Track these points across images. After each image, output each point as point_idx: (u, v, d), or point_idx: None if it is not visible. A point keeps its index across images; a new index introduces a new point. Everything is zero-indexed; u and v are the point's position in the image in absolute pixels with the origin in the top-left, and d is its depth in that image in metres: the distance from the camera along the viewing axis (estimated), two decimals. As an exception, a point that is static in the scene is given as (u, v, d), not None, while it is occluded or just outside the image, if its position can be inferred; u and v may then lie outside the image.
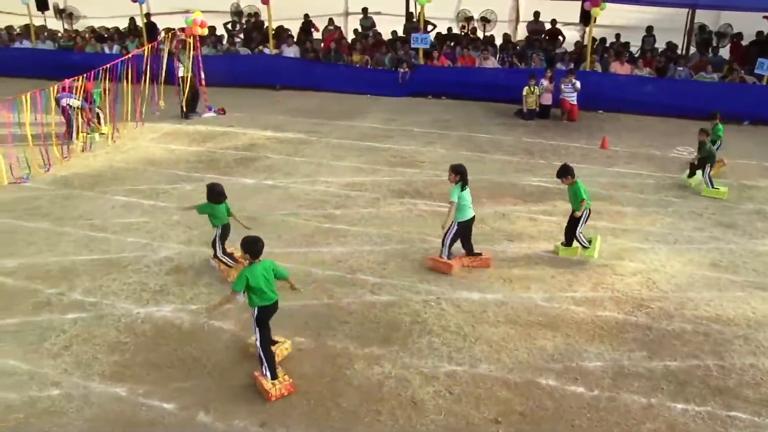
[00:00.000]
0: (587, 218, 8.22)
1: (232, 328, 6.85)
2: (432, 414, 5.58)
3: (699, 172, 10.65)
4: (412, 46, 17.11)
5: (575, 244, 8.27)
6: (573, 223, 8.18)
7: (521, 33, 19.68)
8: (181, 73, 14.97)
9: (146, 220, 9.51)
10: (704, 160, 10.53)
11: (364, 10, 20.15)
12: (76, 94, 13.02)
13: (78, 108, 13.08)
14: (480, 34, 19.19)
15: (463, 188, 7.66)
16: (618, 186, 10.83)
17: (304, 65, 18.14)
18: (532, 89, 14.90)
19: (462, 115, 15.32)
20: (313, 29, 20.48)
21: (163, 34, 20.77)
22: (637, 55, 17.11)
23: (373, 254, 8.35)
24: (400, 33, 19.07)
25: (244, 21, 21.38)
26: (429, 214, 9.57)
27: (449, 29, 19.49)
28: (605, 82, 15.68)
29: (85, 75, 12.96)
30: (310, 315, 7.03)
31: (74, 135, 13.11)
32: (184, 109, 15.16)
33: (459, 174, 7.67)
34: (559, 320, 6.88)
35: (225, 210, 7.93)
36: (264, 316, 5.90)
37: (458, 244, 7.97)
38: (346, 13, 21.83)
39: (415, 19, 18.69)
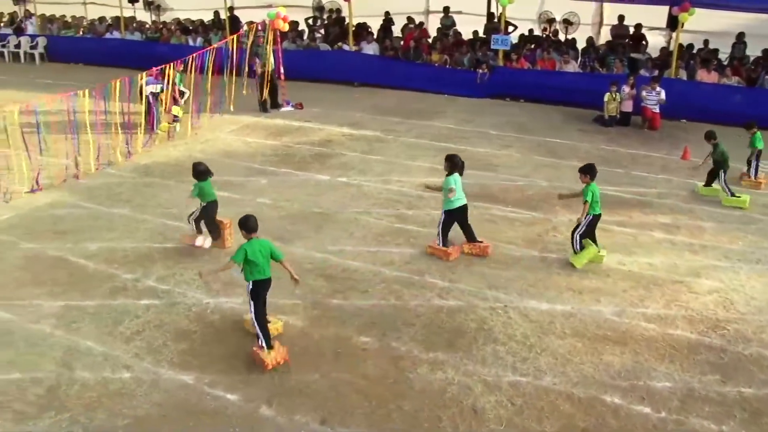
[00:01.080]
0: (590, 224, 8.09)
1: (300, 324, 6.94)
2: (492, 424, 5.53)
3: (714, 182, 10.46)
4: (492, 47, 16.96)
5: (591, 250, 8.13)
6: (577, 226, 8.15)
7: (604, 36, 19.19)
8: (259, 68, 15.28)
9: (220, 211, 9.71)
10: (718, 165, 10.25)
11: (446, 9, 20.07)
12: (161, 80, 13.45)
13: (159, 95, 13.48)
14: (561, 37, 18.85)
15: (451, 174, 8.05)
16: (698, 200, 10.46)
17: (383, 63, 18.24)
18: (614, 95, 14.54)
19: (539, 119, 15.10)
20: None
21: (245, 27, 21.35)
22: (725, 63, 16.45)
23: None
24: (481, 33, 18.91)
25: (325, 17, 21.63)
26: (501, 219, 9.47)
27: (530, 31, 19.20)
28: (690, 90, 15.15)
29: (171, 64, 13.36)
30: (377, 315, 7.07)
31: (155, 125, 13.57)
32: (265, 102, 15.47)
33: (450, 163, 8.12)
34: (629, 336, 6.71)
35: (210, 186, 8.48)
36: (257, 290, 6.30)
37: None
38: (427, 12, 21.75)
39: (496, 20, 18.50)
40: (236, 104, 15.26)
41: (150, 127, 13.51)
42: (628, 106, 14.68)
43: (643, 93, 14.44)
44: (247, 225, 6.35)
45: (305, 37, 20.04)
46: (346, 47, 18.66)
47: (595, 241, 8.21)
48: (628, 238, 8.93)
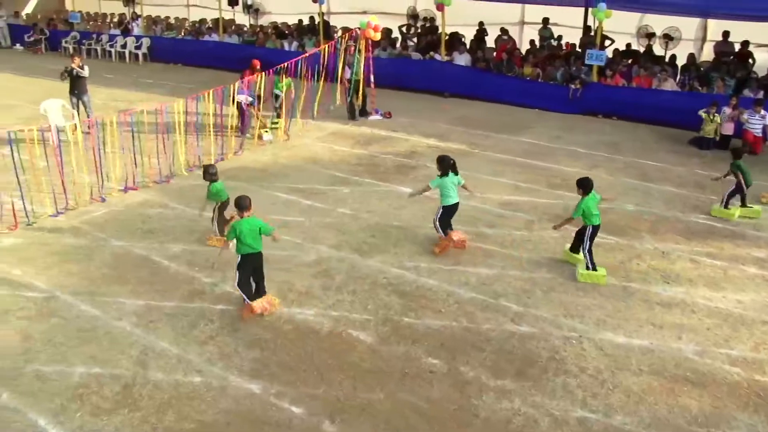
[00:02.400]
0: (591, 236, 8.19)
1: (369, 340, 6.97)
2: (558, 461, 5.40)
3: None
4: (586, 62, 16.57)
5: (600, 270, 8.20)
6: (579, 238, 8.30)
7: (707, 54, 18.41)
8: (348, 75, 15.49)
9: (301, 220, 9.93)
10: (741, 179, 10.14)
11: (545, 21, 19.75)
12: (251, 89, 13.82)
13: (250, 104, 13.88)
14: (661, 52, 18.20)
15: (445, 175, 8.68)
16: (801, 233, 9.89)
17: (474, 74, 18.13)
18: (712, 116, 13.91)
19: (632, 138, 14.63)
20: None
21: (340, 32, 21.69)
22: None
23: (520, 280, 8.19)
24: (574, 46, 18.51)
25: (419, 25, 21.71)
26: (583, 243, 9.22)
27: (628, 45, 18.63)
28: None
29: (261, 78, 13.72)
30: (447, 336, 7.02)
31: (246, 129, 13.97)
32: (354, 110, 15.66)
33: (441, 164, 8.76)
34: (710, 379, 6.39)
35: (221, 187, 8.95)
36: (245, 263, 7.21)
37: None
38: (522, 23, 21.50)
39: (592, 33, 18.07)
40: (326, 111, 15.50)
41: (241, 132, 13.91)
42: (728, 129, 14.02)
43: (745, 116, 13.75)
44: (241, 204, 7.21)
45: (398, 45, 20.14)
46: (438, 57, 18.65)
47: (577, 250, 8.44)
48: (717, 271, 8.53)
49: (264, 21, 24.91)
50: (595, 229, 8.23)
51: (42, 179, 10.11)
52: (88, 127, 13.07)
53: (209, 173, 8.96)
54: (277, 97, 14.57)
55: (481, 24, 20.41)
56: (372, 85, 15.82)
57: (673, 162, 13.01)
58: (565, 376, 6.40)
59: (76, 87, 14.37)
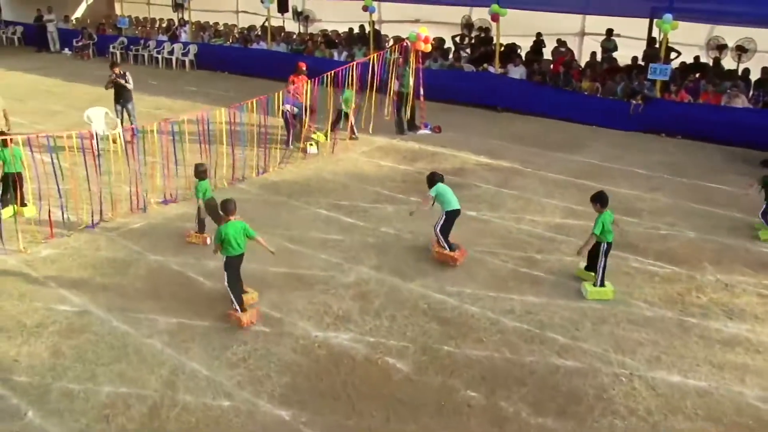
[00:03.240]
0: (606, 252, 8.32)
1: (406, 369, 6.93)
2: None
3: None
4: (649, 76, 16.26)
5: (608, 285, 8.38)
6: (595, 255, 8.41)
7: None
8: (397, 87, 15.53)
9: (342, 239, 9.96)
10: None
11: (609, 32, 19.42)
12: (297, 99, 13.98)
13: (296, 115, 14.04)
14: (733, 65, 17.74)
15: (434, 184, 9.18)
16: None
17: (529, 88, 17.97)
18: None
19: (697, 159, 14.28)
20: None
21: (391, 41, 21.80)
22: None
23: (568, 310, 8.05)
24: (638, 58, 18.18)
25: (473, 35, 21.65)
26: (638, 272, 9.03)
27: (696, 58, 18.21)
28: None
29: (306, 87, 13.87)
30: (488, 368, 6.94)
31: (291, 141, 14.13)
32: (403, 124, 15.70)
33: (429, 182, 9.29)
34: (775, 428, 6.17)
35: (207, 186, 9.57)
36: (230, 263, 7.70)
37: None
38: (582, 33, 21.23)
39: (657, 45, 17.74)
40: (374, 124, 15.58)
41: (286, 144, 14.08)
42: (805, 150, 13.60)
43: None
44: (226, 208, 7.79)
45: (450, 56, 20.12)
46: (491, 69, 18.56)
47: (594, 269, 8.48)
48: (786, 308, 8.25)
49: (314, 29, 25.22)
50: (610, 246, 8.39)
51: (81, 189, 10.35)
52: (130, 136, 13.45)
53: (198, 171, 9.58)
54: (345, 115, 14.82)
55: (538, 35, 20.27)
56: (421, 98, 15.83)
57: (742, 185, 12.61)
58: (612, 417, 6.24)
59: (122, 96, 14.76)
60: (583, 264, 8.83)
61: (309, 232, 10.21)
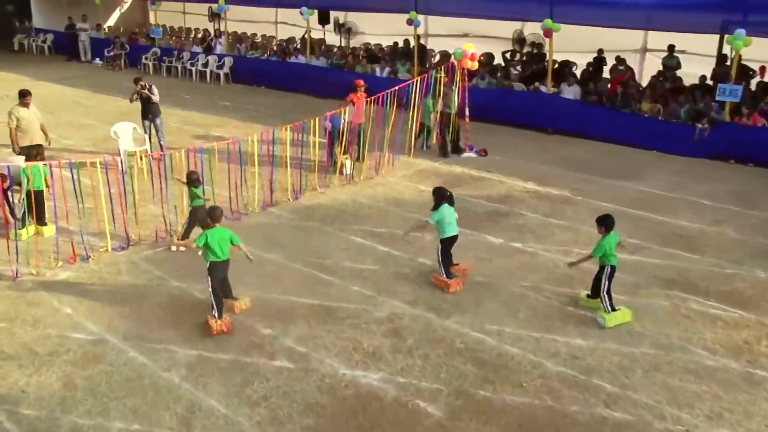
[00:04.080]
0: (610, 276, 8.55)
1: (438, 414, 6.86)
2: None
3: None
4: (717, 97, 15.99)
5: (621, 308, 8.62)
6: (598, 282, 8.68)
7: None
8: (441, 107, 15.55)
9: (376, 269, 9.96)
10: None
11: (670, 48, 19.22)
12: (334, 117, 14.08)
13: (340, 132, 14.12)
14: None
15: (437, 207, 9.32)
16: None
17: (583, 109, 17.84)
18: None
19: (770, 189, 13.96)
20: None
21: (437, 56, 21.88)
22: None
23: (618, 355, 7.89)
24: (706, 77, 17.88)
25: (524, 51, 21.60)
26: (698, 315, 8.81)
27: (773, 79, 17.89)
28: None
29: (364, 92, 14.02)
30: (527, 416, 6.83)
31: (331, 162, 14.23)
32: (446, 146, 15.70)
33: (437, 195, 9.44)
34: None
35: (199, 193, 10.31)
36: (213, 269, 8.23)
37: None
38: (644, 50, 20.97)
39: (727, 63, 17.46)
40: (415, 146, 15.61)
41: (327, 165, 14.18)
42: None
43: None
44: (213, 215, 8.33)
45: (499, 73, 20.09)
46: (543, 88, 18.49)
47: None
48: None
49: (356, 42, 25.43)
50: (614, 269, 8.62)
51: (104, 209, 10.54)
52: (159, 154, 13.69)
53: (191, 179, 10.32)
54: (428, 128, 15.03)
55: (600, 52, 19.99)
56: (467, 119, 15.82)
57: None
58: (664, 477, 6.09)
59: (149, 111, 15.04)
60: (585, 293, 9.04)
61: (341, 261, 10.23)
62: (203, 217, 9.59)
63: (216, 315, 8.26)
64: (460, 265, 9.75)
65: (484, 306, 8.94)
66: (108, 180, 10.74)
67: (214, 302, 8.28)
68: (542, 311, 8.84)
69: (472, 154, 15.88)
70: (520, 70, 20.60)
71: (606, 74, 19.70)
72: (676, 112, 16.84)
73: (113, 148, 14.58)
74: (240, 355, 7.76)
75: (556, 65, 19.12)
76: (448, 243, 9.42)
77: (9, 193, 10.77)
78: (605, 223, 8.69)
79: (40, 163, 10.71)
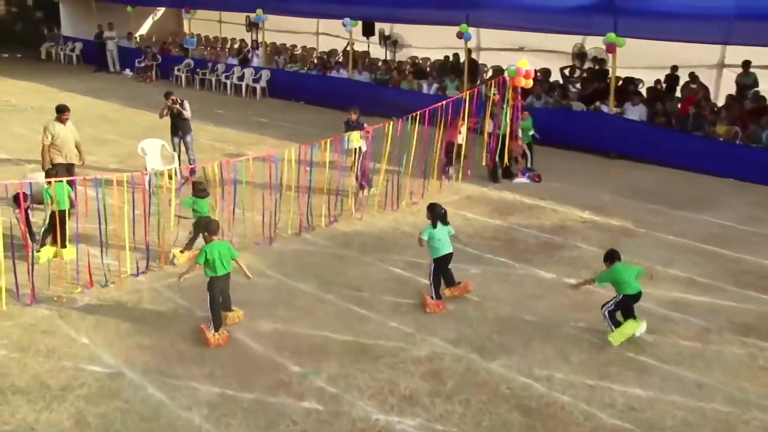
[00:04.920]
0: (621, 304, 8.95)
1: (479, 467, 6.78)
2: None
3: None
4: (804, 120, 15.69)
5: (629, 324, 9.00)
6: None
7: None
8: (489, 128, 15.51)
9: (416, 303, 9.93)
10: None
11: (746, 64, 18.88)
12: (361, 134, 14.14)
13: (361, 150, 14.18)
14: None
15: (435, 226, 9.80)
16: None
17: (650, 131, 17.63)
18: None
19: None
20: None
21: (490, 72, 21.89)
22: None
23: (684, 410, 7.70)
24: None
25: (585, 67, 21.44)
26: (778, 367, 8.60)
27: None
28: None
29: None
30: (578, 474, 6.72)
31: (365, 184, 14.29)
32: (497, 170, 15.66)
33: (431, 212, 9.90)
34: None
35: (206, 204, 10.94)
36: (213, 284, 8.82)
37: None
38: (721, 65, 20.56)
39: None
40: (462, 170, 15.60)
41: (359, 188, 14.24)
42: None
43: None
44: (209, 228, 8.97)
45: (556, 92, 19.99)
46: (605, 108, 18.34)
47: (632, 316, 9.10)
48: None
49: (402, 55, 25.57)
50: (627, 298, 8.98)
51: (126, 231, 10.71)
52: (189, 173, 13.92)
53: (197, 189, 10.99)
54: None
55: (674, 69, 19.69)
56: (519, 141, 15.75)
57: None
58: None
59: (179, 127, 15.28)
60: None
61: (379, 293, 10.22)
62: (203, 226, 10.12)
63: (212, 328, 8.80)
64: (462, 283, 10.21)
65: (532, 348, 8.84)
66: (133, 200, 10.90)
67: (212, 315, 8.83)
68: (597, 356, 8.70)
69: (525, 180, 15.82)
70: (579, 87, 20.47)
71: (677, 93, 19.45)
72: (757, 135, 16.52)
73: (140, 166, 14.80)
74: (266, 395, 7.77)
75: (620, 83, 18.96)
76: (442, 262, 9.88)
77: (30, 213, 11.02)
78: (609, 257, 9.13)
79: (64, 180, 10.92)
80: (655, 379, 8.22)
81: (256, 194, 12.41)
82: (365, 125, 14.34)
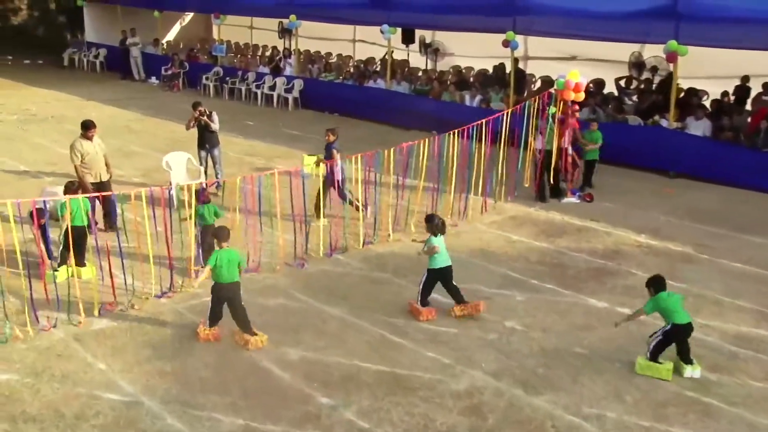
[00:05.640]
0: (668, 335, 8.87)
1: None
2: None
3: None
4: None
5: (664, 363, 8.93)
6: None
7: None
8: (539, 145, 15.41)
9: (455, 332, 9.90)
10: None
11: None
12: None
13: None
14: None
15: (434, 235, 10.25)
16: None
17: (715, 148, 17.44)
18: None
19: None
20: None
21: (539, 83, 21.82)
22: None
23: (753, 459, 7.59)
24: None
25: (643, 77, 21.26)
26: None
27: None
28: None
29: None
30: None
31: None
32: (545, 189, 15.58)
33: (429, 224, 10.37)
34: None
35: (210, 211, 11.48)
36: (217, 290, 9.38)
37: None
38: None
39: None
40: (506, 188, 15.56)
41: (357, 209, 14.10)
42: None
43: None
44: (219, 235, 9.54)
45: (610, 105, 19.83)
46: (664, 122, 18.18)
47: (686, 357, 8.96)
48: None
49: (444, 65, 25.61)
50: (677, 329, 8.90)
51: (149, 250, 10.80)
52: (215, 188, 14.03)
53: (199, 195, 11.65)
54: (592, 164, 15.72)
55: (744, 79, 19.44)
56: (570, 158, 15.65)
57: None
58: None
59: (207, 140, 15.45)
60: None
61: (415, 320, 10.19)
62: (210, 241, 10.60)
63: (207, 324, 9.48)
64: (473, 303, 10.42)
65: (582, 383, 8.73)
66: (154, 215, 10.99)
67: (210, 314, 9.47)
68: (654, 395, 8.56)
69: (575, 200, 15.73)
70: (636, 100, 20.34)
71: (747, 106, 19.16)
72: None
73: (165, 181, 14.96)
74: (292, 427, 7.77)
75: (682, 95, 18.78)
76: (437, 275, 10.32)
77: (47, 229, 11.17)
78: (653, 285, 9.14)
79: (80, 197, 11.07)
80: (721, 425, 8.04)
81: (283, 209, 12.42)
82: (335, 151, 13.91)
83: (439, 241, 10.25)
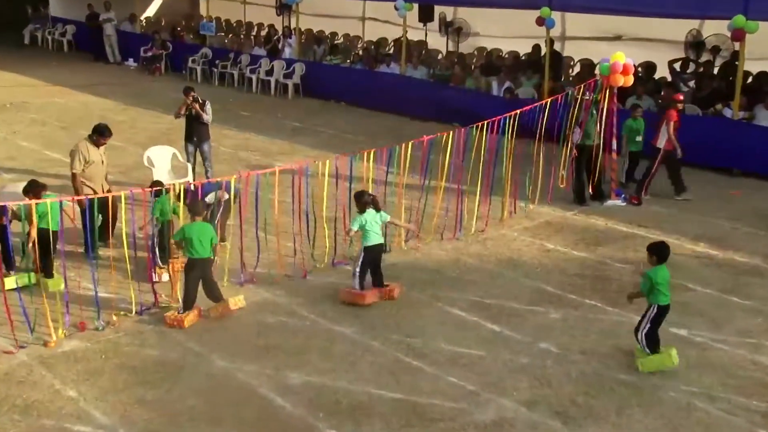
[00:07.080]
0: (656, 319, 9.35)
1: None
2: None
3: None
4: None
5: (664, 350, 9.40)
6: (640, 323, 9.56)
7: None
8: (577, 138, 15.36)
9: (481, 354, 9.91)
10: None
11: None
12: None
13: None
14: None
15: (362, 212, 11.05)
16: None
17: (786, 142, 17.43)
18: None
19: None
20: None
21: (578, 67, 21.81)
22: None
23: None
24: None
25: (703, 59, 21.16)
26: None
27: None
28: None
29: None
30: None
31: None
32: (584, 190, 15.60)
33: (358, 201, 11.16)
34: None
35: (166, 202, 11.40)
36: (190, 267, 10.22)
37: None
38: None
39: None
40: (540, 190, 15.62)
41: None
42: None
43: None
44: (194, 208, 10.34)
45: (663, 91, 19.81)
46: (728, 112, 18.10)
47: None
48: None
49: (468, 46, 25.59)
50: (662, 310, 9.38)
51: (126, 259, 10.85)
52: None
53: (154, 187, 11.55)
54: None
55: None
56: (614, 155, 15.68)
57: None
58: None
59: (196, 132, 15.41)
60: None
61: (435, 341, 10.21)
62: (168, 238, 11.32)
63: (182, 308, 10.31)
64: (390, 286, 11.34)
65: (630, 416, 8.74)
66: (133, 218, 11.06)
67: (183, 296, 10.33)
68: (717, 429, 8.58)
69: (620, 202, 15.77)
70: (694, 86, 20.26)
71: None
72: None
73: (146, 179, 14.99)
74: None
75: (749, 80, 18.72)
76: (372, 253, 11.15)
77: (7, 232, 11.02)
78: (658, 251, 9.51)
79: (55, 197, 11.05)
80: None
81: (283, 213, 12.48)
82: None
83: (368, 217, 11.02)
